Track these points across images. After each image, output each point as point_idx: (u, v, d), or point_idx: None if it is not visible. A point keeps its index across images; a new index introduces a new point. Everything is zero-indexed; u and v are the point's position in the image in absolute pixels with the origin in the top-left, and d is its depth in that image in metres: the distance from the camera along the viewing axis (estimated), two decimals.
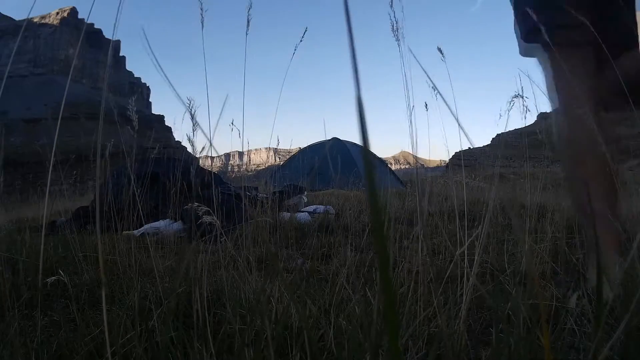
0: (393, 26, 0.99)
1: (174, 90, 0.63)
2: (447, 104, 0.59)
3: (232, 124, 1.48)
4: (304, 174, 6.13)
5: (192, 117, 0.90)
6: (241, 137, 1.49)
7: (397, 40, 0.98)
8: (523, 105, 1.18)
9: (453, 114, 0.58)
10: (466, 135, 0.59)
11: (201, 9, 1.05)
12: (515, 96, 1.13)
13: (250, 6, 1.12)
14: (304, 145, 8.71)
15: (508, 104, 1.17)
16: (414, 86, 1.05)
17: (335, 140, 7.63)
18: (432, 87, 0.85)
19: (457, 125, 0.59)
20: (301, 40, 1.24)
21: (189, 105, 0.87)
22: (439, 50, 1.02)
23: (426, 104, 1.15)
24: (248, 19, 1.12)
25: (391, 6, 0.97)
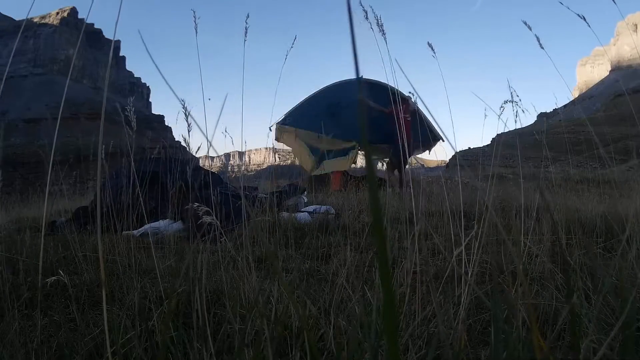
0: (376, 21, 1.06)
1: (172, 89, 0.63)
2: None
3: (226, 131, 1.51)
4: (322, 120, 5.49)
5: (187, 117, 0.91)
6: (240, 138, 1.50)
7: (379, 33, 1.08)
8: (513, 109, 1.24)
9: (435, 120, 0.58)
10: (449, 141, 0.59)
11: (194, 17, 1.07)
12: (506, 102, 1.18)
13: (248, 16, 1.16)
14: None
15: (500, 109, 1.21)
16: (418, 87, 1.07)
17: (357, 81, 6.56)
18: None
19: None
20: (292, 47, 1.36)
21: (183, 106, 0.88)
22: (429, 45, 1.10)
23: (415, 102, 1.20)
24: (246, 27, 1.15)
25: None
